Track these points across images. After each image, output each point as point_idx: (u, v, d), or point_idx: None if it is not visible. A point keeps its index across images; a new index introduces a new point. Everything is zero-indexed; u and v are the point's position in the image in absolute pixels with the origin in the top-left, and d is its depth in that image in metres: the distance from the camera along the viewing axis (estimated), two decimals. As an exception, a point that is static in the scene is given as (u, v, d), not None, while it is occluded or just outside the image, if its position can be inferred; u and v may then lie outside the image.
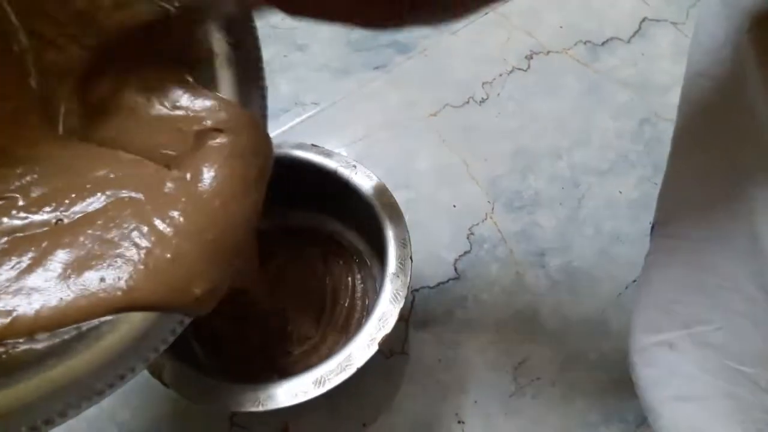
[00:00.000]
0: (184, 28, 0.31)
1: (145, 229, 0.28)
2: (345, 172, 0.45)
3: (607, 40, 0.60)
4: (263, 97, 0.33)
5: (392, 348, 0.48)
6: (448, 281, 0.50)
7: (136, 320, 0.28)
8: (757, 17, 0.29)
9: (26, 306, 0.26)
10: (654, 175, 0.54)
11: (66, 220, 0.28)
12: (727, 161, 0.32)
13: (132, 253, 0.27)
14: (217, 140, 0.29)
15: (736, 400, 0.32)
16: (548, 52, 0.60)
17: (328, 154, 0.45)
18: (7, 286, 0.26)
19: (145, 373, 0.38)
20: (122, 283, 0.26)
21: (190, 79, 0.30)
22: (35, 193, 0.29)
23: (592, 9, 0.61)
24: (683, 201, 0.36)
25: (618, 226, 0.52)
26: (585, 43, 0.60)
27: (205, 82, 0.31)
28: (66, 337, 0.27)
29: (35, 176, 0.29)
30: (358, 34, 0.62)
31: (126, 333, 0.28)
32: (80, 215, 0.28)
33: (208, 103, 0.30)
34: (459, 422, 0.45)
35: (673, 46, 0.60)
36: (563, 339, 0.48)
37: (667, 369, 0.35)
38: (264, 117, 0.33)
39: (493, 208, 0.53)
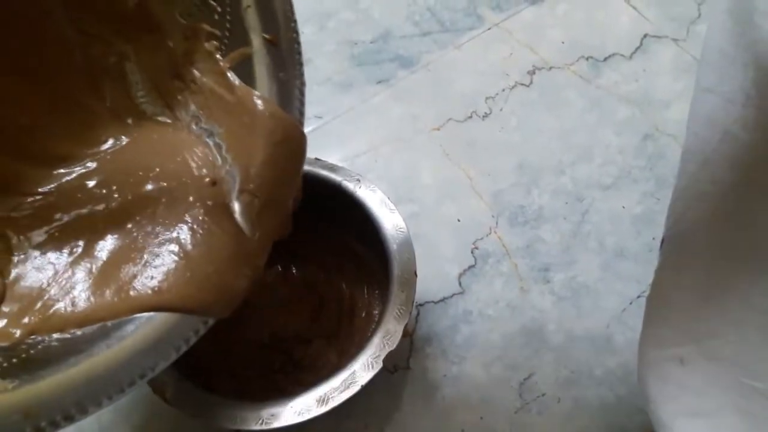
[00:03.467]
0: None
1: (186, 230, 0.28)
2: (349, 185, 0.45)
3: (609, 56, 0.60)
4: (302, 93, 0.32)
5: (396, 363, 0.47)
6: (452, 296, 0.50)
7: (160, 318, 0.29)
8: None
9: (65, 302, 0.27)
10: (657, 191, 0.54)
11: (121, 201, 0.29)
12: (739, 201, 0.32)
13: (169, 252, 0.27)
14: (256, 139, 0.29)
15: (748, 416, 0.32)
16: (551, 68, 0.60)
17: (332, 168, 0.45)
18: (60, 276, 0.27)
19: (146, 390, 0.37)
20: (154, 283, 0.26)
21: (231, 76, 0.30)
22: (95, 179, 0.30)
23: (594, 25, 0.62)
24: (693, 216, 0.36)
25: (621, 240, 0.52)
26: (587, 58, 0.60)
27: (244, 78, 0.31)
28: (90, 332, 0.27)
29: (95, 165, 0.30)
30: (361, 48, 0.62)
31: (149, 331, 0.29)
32: (134, 201, 0.29)
33: (247, 100, 0.30)
34: (464, 439, 0.44)
35: (674, 62, 0.60)
36: (568, 355, 0.48)
37: (678, 384, 0.35)
38: (302, 114, 0.33)
39: (497, 223, 0.53)
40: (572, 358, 0.48)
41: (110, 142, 0.31)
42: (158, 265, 0.27)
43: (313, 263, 0.47)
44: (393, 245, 0.43)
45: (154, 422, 0.45)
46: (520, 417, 0.45)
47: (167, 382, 0.37)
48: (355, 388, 0.37)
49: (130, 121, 0.32)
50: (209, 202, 0.29)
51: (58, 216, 0.29)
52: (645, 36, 0.61)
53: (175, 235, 0.28)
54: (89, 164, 0.31)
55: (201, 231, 0.28)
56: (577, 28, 0.62)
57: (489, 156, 0.56)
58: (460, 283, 0.51)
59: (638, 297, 0.49)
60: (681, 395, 0.34)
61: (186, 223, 0.28)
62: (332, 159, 0.46)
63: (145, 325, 0.29)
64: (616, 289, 0.50)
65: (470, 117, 0.58)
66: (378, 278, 0.46)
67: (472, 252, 0.52)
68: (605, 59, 0.60)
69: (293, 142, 0.31)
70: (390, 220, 0.44)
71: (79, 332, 0.27)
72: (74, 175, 0.30)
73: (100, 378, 0.27)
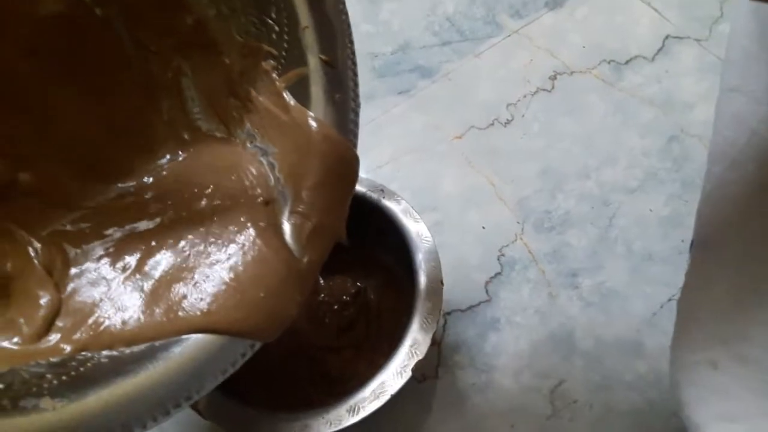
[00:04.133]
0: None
1: (237, 251, 0.28)
2: (373, 196, 0.45)
3: (631, 59, 0.60)
4: (356, 116, 0.32)
5: (425, 372, 0.47)
6: (479, 304, 0.50)
7: (208, 340, 0.28)
8: None
9: (115, 319, 0.27)
10: (684, 193, 0.53)
11: (175, 218, 0.30)
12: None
13: (220, 273, 0.28)
14: (309, 161, 0.29)
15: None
16: (572, 73, 0.60)
17: (357, 179, 0.46)
18: (113, 292, 0.28)
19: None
20: (203, 305, 0.27)
21: (287, 96, 0.31)
22: (150, 194, 0.31)
23: (615, 28, 0.62)
24: (723, 219, 0.36)
25: (649, 244, 0.51)
26: (609, 62, 0.60)
27: (300, 98, 0.31)
28: (138, 351, 0.27)
29: (151, 179, 0.31)
30: (381, 60, 0.62)
31: (197, 352, 0.28)
32: (188, 218, 0.30)
33: (302, 121, 0.30)
34: (496, 447, 0.44)
35: (697, 63, 0.59)
36: (598, 360, 0.47)
37: (711, 387, 0.34)
38: (355, 137, 0.32)
39: (522, 229, 0.53)
40: (602, 363, 0.47)
41: (167, 157, 0.32)
42: (208, 287, 0.28)
43: (339, 273, 0.48)
44: (418, 254, 0.43)
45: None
46: (552, 424, 0.45)
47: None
48: (384, 398, 0.37)
49: (186, 136, 0.33)
50: (261, 223, 0.29)
51: (113, 231, 0.30)
52: (667, 37, 0.61)
53: (226, 255, 0.28)
54: (145, 180, 0.32)
55: (252, 253, 0.28)
56: (598, 32, 0.61)
57: (512, 162, 0.56)
58: (487, 291, 0.50)
59: (668, 301, 0.49)
60: (714, 399, 0.34)
61: (237, 243, 0.29)
62: (356, 170, 0.46)
63: (193, 347, 0.29)
64: (646, 293, 0.50)
65: (492, 124, 0.58)
66: (405, 287, 0.47)
67: (498, 259, 0.52)
68: (627, 62, 0.60)
69: (346, 166, 0.31)
70: (415, 229, 0.44)
71: (127, 351, 0.28)
72: (131, 190, 0.31)
73: (145, 399, 0.27)
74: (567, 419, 0.45)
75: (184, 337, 0.28)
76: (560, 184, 0.55)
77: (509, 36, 0.62)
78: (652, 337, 0.48)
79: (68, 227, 0.30)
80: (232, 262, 0.29)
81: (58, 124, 0.30)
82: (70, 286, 0.29)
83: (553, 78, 0.60)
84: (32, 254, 0.29)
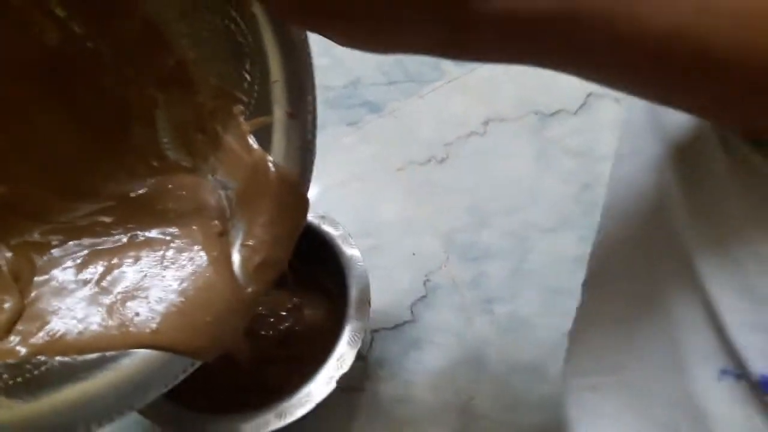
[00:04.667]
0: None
1: (189, 277, 0.32)
2: (314, 221, 0.50)
3: (556, 112, 0.67)
4: (311, 164, 0.35)
5: (352, 384, 0.52)
6: (404, 323, 0.55)
7: (154, 355, 0.31)
8: (679, 146, 0.35)
9: (72, 328, 0.30)
10: (591, 236, 0.59)
11: (137, 239, 0.33)
12: (646, 255, 0.37)
13: (171, 295, 0.31)
14: (264, 200, 0.33)
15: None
16: (503, 120, 0.66)
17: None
18: (72, 303, 0.31)
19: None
20: (153, 324, 0.30)
21: (251, 139, 0.34)
22: (115, 215, 0.34)
23: (544, 83, 0.68)
24: (610, 264, 0.42)
25: (559, 280, 0.58)
26: (536, 113, 0.67)
27: (262, 142, 0.34)
28: (89, 359, 0.30)
29: (117, 202, 0.34)
30: (334, 92, 0.67)
31: (143, 365, 0.31)
32: (147, 242, 0.33)
33: (261, 163, 0.34)
34: (410, 455, 0.49)
35: (615, 120, 0.67)
36: (507, 381, 0.53)
37: (593, 410, 0.40)
38: (308, 182, 0.36)
39: (448, 258, 0.58)
40: (511, 384, 0.53)
41: (135, 182, 0.35)
42: (159, 307, 0.31)
43: (280, 290, 0.52)
44: (351, 277, 0.48)
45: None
46: (461, 436, 0.50)
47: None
48: (310, 405, 0.42)
49: (155, 163, 0.36)
50: (214, 253, 0.32)
51: (78, 246, 0.33)
52: (589, 95, 0.68)
53: (179, 280, 0.32)
54: (112, 202, 0.35)
55: (203, 279, 0.32)
56: (529, 85, 0.68)
57: (445, 197, 0.62)
58: (412, 312, 0.56)
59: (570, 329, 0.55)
60: (594, 419, 0.40)
61: (190, 269, 0.32)
62: (301, 196, 0.51)
63: (140, 360, 0.31)
64: (553, 323, 0.56)
65: (429, 161, 0.64)
66: (338, 306, 0.51)
67: (424, 284, 0.57)
68: (552, 114, 0.67)
69: (297, 208, 0.35)
70: (349, 253, 0.49)
71: (79, 358, 0.30)
72: (98, 209, 0.34)
73: (92, 405, 0.30)
74: (475, 432, 0.51)
75: (133, 351, 0.31)
76: (486, 220, 0.61)
77: (450, 82, 0.69)
78: (555, 363, 0.54)
79: (37, 238, 0.33)
80: (184, 286, 0.32)
81: (37, 145, 0.33)
82: (34, 293, 0.32)
83: (486, 123, 0.66)
84: (1, 261, 0.32)
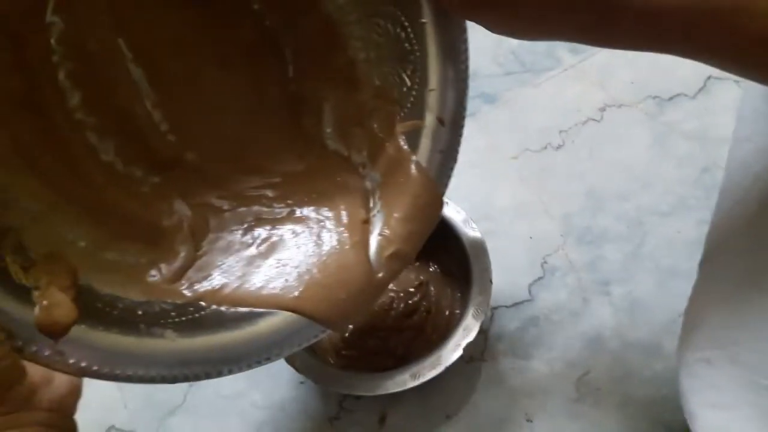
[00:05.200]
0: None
1: (333, 255, 0.36)
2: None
3: (674, 96, 0.67)
4: (452, 171, 0.38)
5: (473, 355, 0.57)
6: (522, 302, 0.59)
7: (293, 318, 0.35)
8: None
9: (231, 283, 0.35)
10: (710, 219, 0.60)
11: (294, 214, 0.38)
12: (762, 235, 0.39)
13: (315, 269, 0.35)
14: (404, 197, 0.36)
15: (759, 408, 0.39)
16: (620, 105, 0.68)
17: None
18: (234, 261, 0.36)
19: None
20: (296, 292, 0.34)
21: (401, 139, 0.37)
22: (278, 190, 0.39)
23: (661, 67, 0.69)
24: (724, 245, 0.43)
25: (675, 262, 0.59)
26: (654, 98, 0.67)
27: (410, 144, 0.37)
28: (241, 312, 0.35)
29: (281, 179, 0.39)
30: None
31: (283, 325, 0.35)
32: (303, 218, 0.38)
33: (407, 163, 0.36)
34: (528, 421, 0.53)
35: (735, 103, 0.65)
36: (621, 357, 0.56)
37: (706, 381, 0.42)
38: (446, 187, 0.38)
39: (565, 241, 0.61)
40: (625, 360, 0.55)
41: (298, 164, 0.40)
42: (304, 278, 0.35)
43: (407, 270, 0.58)
44: (473, 257, 0.53)
45: (280, 387, 0.57)
46: (576, 407, 0.54)
47: (296, 355, 0.49)
48: (440, 368, 0.47)
49: (316, 150, 0.39)
50: (356, 237, 0.36)
51: (246, 212, 0.38)
52: (709, 78, 0.68)
53: (324, 256, 0.36)
54: (276, 179, 0.39)
55: (344, 260, 0.35)
56: (645, 70, 0.69)
57: (560, 183, 0.65)
58: (529, 292, 0.59)
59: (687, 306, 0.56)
60: (707, 391, 0.42)
61: (334, 249, 0.36)
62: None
63: (280, 320, 0.35)
64: (668, 303, 0.57)
65: (545, 148, 0.67)
66: (460, 284, 0.56)
67: (541, 266, 0.60)
68: (670, 98, 0.67)
69: (432, 209, 0.37)
70: (471, 236, 0.54)
71: (231, 310, 0.34)
72: (264, 183, 0.39)
73: (236, 351, 0.34)
74: (590, 404, 0.54)
75: (276, 311, 0.34)
76: (601, 205, 0.63)
77: (566, 70, 0.71)
78: (670, 341, 0.56)
79: (214, 202, 0.38)
80: (326, 262, 0.36)
81: (225, 124, 0.38)
82: (205, 248, 0.37)
83: (603, 109, 0.68)
84: (183, 217, 0.37)
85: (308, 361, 0.48)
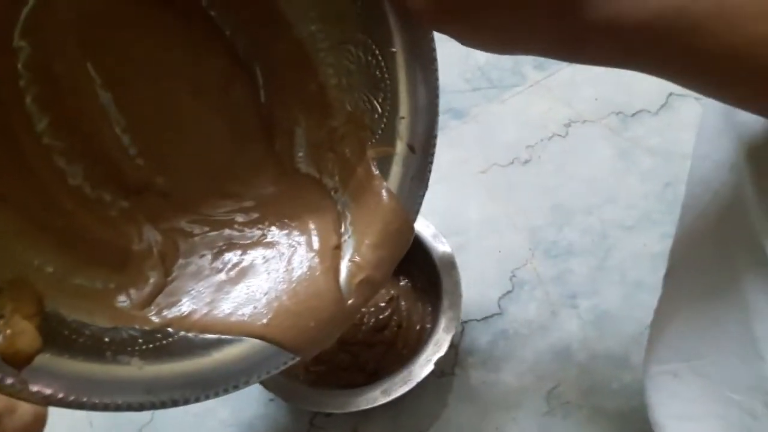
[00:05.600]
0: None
1: (303, 282, 0.36)
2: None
3: (637, 112, 0.69)
4: (422, 198, 0.38)
5: (444, 369, 0.57)
6: (492, 316, 0.59)
7: (261, 345, 0.35)
8: (755, 145, 0.37)
9: (199, 310, 0.35)
10: (674, 232, 0.62)
11: (265, 239, 0.38)
12: (723, 249, 0.40)
13: (285, 296, 0.35)
14: (375, 224, 0.37)
15: (725, 420, 0.40)
16: (584, 121, 0.69)
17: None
18: (204, 287, 0.36)
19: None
20: (264, 319, 0.34)
21: (373, 165, 0.37)
22: (251, 214, 0.39)
23: (624, 84, 0.71)
24: (688, 259, 0.44)
25: (641, 275, 0.60)
26: (617, 114, 0.69)
27: (381, 170, 0.37)
28: (208, 339, 0.34)
29: (253, 203, 0.39)
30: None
31: (250, 352, 0.35)
32: (274, 243, 0.38)
33: (378, 189, 0.37)
34: (499, 435, 0.54)
35: (696, 119, 0.67)
36: (590, 370, 0.56)
37: (672, 393, 0.43)
38: (416, 214, 0.38)
39: (533, 255, 0.62)
40: (594, 373, 0.56)
41: (270, 186, 0.39)
42: (273, 305, 0.35)
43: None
44: (443, 271, 0.53)
45: (250, 405, 0.56)
46: (546, 420, 0.54)
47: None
48: (411, 384, 0.47)
49: (289, 173, 0.40)
50: (326, 263, 0.36)
51: (216, 237, 0.38)
52: (670, 94, 0.70)
53: (293, 283, 0.36)
54: (248, 203, 0.39)
55: (314, 286, 0.35)
56: (609, 87, 0.71)
57: (527, 197, 0.65)
58: (499, 306, 0.60)
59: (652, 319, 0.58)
60: (673, 402, 0.43)
61: (304, 275, 0.36)
62: (396, 199, 0.56)
63: (248, 347, 0.34)
64: (635, 316, 0.59)
65: (512, 162, 0.68)
66: (430, 298, 0.56)
67: (510, 279, 0.61)
68: (633, 114, 0.69)
69: (402, 236, 0.37)
70: (441, 250, 0.54)
71: (200, 336, 0.34)
72: (236, 207, 0.39)
73: (204, 378, 0.33)
74: (560, 417, 0.54)
75: (245, 338, 0.34)
76: (567, 219, 0.64)
77: (531, 86, 0.72)
78: (637, 353, 0.57)
79: (184, 226, 0.38)
80: (296, 288, 0.36)
81: (195, 147, 0.38)
82: (175, 273, 0.36)
83: (568, 125, 0.69)
84: (152, 242, 0.37)
85: (277, 378, 0.48)
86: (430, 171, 0.38)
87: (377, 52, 0.35)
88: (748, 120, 0.39)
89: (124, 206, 0.37)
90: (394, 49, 0.35)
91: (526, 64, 0.73)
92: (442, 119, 0.71)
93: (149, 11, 0.36)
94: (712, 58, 0.29)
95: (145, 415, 0.56)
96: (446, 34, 0.32)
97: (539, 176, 0.67)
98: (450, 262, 0.53)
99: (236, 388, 0.34)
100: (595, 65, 0.33)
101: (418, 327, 0.56)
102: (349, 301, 0.36)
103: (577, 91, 0.71)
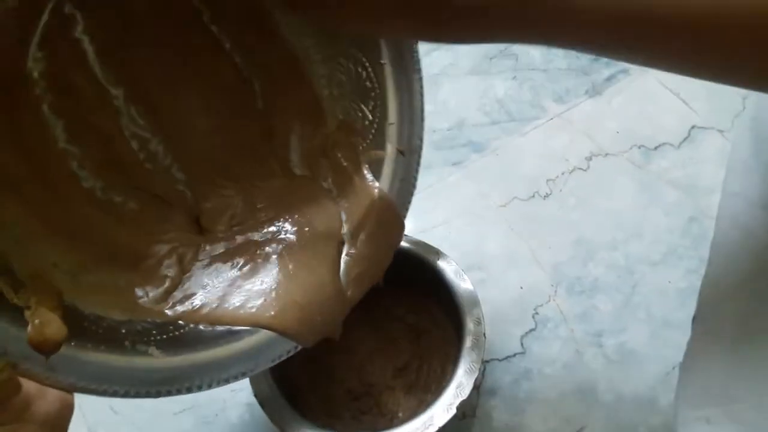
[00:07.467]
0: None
1: (308, 276, 0.37)
2: (429, 258, 0.54)
3: (659, 145, 0.68)
4: (411, 196, 0.42)
5: (465, 411, 0.55)
6: (515, 355, 0.58)
7: (267, 335, 0.38)
8: None
9: (210, 303, 0.36)
10: (700, 268, 0.60)
11: (278, 236, 0.40)
12: (755, 294, 0.39)
13: (292, 287, 0.37)
14: (368, 218, 0.39)
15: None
16: (606, 154, 0.68)
17: (416, 243, 0.55)
18: (216, 282, 0.37)
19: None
20: (271, 311, 0.36)
21: (365, 168, 0.41)
22: (263, 214, 0.41)
23: (647, 117, 0.70)
24: (719, 301, 0.43)
25: (667, 312, 0.59)
26: (639, 147, 0.68)
27: (373, 172, 0.41)
28: (218, 330, 0.37)
29: (265, 203, 0.41)
30: (439, 135, 0.72)
31: (257, 342, 0.38)
32: (285, 239, 0.39)
33: (370, 189, 0.40)
34: (523, 480, 0.52)
35: (719, 152, 0.67)
36: (616, 411, 0.55)
37: (704, 440, 0.41)
38: (406, 210, 0.42)
39: (556, 291, 0.61)
40: (620, 415, 0.54)
41: (280, 190, 0.41)
42: (280, 296, 0.37)
43: (399, 323, 0.57)
44: (465, 310, 0.52)
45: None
46: (572, 464, 0.53)
47: (284, 417, 0.47)
48: (433, 429, 0.45)
49: (287, 176, 0.41)
50: (330, 258, 0.38)
51: (229, 235, 0.39)
52: (693, 127, 0.69)
53: (299, 276, 0.37)
54: (260, 203, 0.41)
55: (318, 279, 0.37)
56: (631, 120, 0.70)
57: (549, 231, 0.64)
58: (522, 344, 0.58)
59: (681, 362, 0.56)
60: (707, 451, 0.41)
61: (310, 269, 0.38)
62: (413, 229, 0.55)
63: (255, 338, 0.38)
64: (662, 354, 0.57)
65: (533, 196, 0.67)
66: (452, 338, 0.55)
67: (533, 317, 0.60)
68: (656, 148, 0.68)
69: (394, 230, 0.41)
70: (463, 287, 0.53)
71: (210, 328, 0.37)
72: (249, 208, 0.40)
73: (214, 367, 0.36)
74: (587, 461, 0.53)
75: (252, 329, 0.37)
76: (591, 254, 0.63)
77: (552, 119, 0.71)
78: (665, 394, 0.55)
79: (201, 225, 0.40)
80: (301, 281, 0.37)
81: (205, 150, 0.39)
82: (192, 270, 0.38)
83: (589, 158, 0.68)
84: (169, 240, 0.38)
85: (297, 425, 0.47)
86: (417, 172, 0.42)
87: (367, 64, 0.39)
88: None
89: (137, 207, 0.38)
90: (383, 62, 0.39)
91: (546, 97, 0.73)
92: (462, 152, 0.71)
93: (163, 30, 0.37)
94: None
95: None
96: (308, 18, 0.34)
97: (561, 210, 0.66)
98: (473, 300, 0.52)
99: (244, 375, 0.37)
100: (466, 43, 0.33)
101: (439, 370, 0.55)
102: (348, 293, 0.38)
103: (599, 124, 0.70)
